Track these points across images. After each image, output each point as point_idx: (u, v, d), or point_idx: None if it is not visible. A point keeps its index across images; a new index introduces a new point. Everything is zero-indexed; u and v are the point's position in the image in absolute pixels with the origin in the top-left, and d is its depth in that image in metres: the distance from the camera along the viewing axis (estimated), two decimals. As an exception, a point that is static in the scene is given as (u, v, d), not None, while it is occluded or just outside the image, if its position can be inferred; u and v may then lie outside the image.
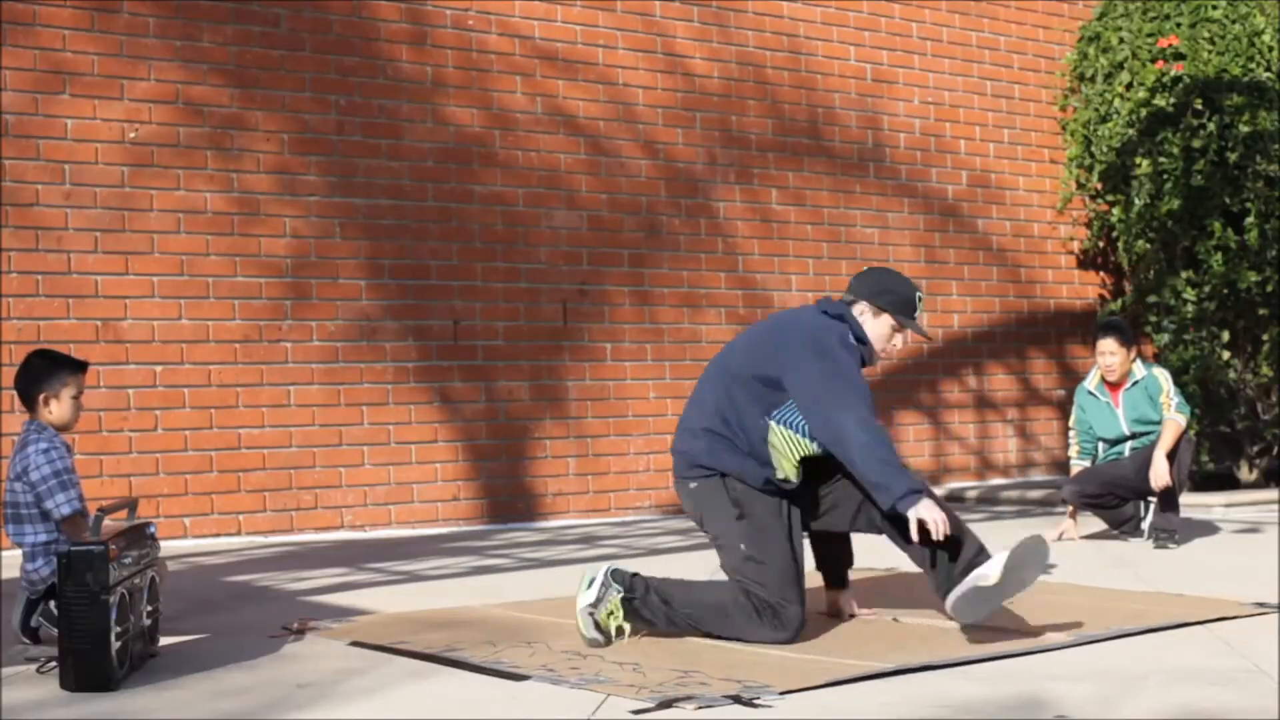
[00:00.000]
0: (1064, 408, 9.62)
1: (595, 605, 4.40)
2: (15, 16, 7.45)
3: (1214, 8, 10.46)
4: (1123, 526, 7.32)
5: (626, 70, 9.24)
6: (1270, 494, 9.44)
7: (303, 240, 8.16)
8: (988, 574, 4.34)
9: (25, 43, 7.48)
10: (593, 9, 9.14)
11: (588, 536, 7.98)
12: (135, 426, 7.65)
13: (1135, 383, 7.18)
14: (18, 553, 4.66)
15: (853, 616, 4.86)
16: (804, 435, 4.47)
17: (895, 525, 4.43)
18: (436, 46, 8.63)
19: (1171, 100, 10.12)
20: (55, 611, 4.25)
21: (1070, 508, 7.31)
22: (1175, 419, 6.98)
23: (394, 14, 8.50)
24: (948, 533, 4.29)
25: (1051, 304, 11.00)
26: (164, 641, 4.43)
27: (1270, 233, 9.92)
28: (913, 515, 4.26)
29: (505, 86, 8.82)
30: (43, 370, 4.67)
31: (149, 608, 4.26)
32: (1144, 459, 7.02)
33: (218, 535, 7.83)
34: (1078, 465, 7.36)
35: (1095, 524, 7.56)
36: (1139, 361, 7.26)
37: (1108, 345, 7.18)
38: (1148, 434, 7.11)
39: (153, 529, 4.41)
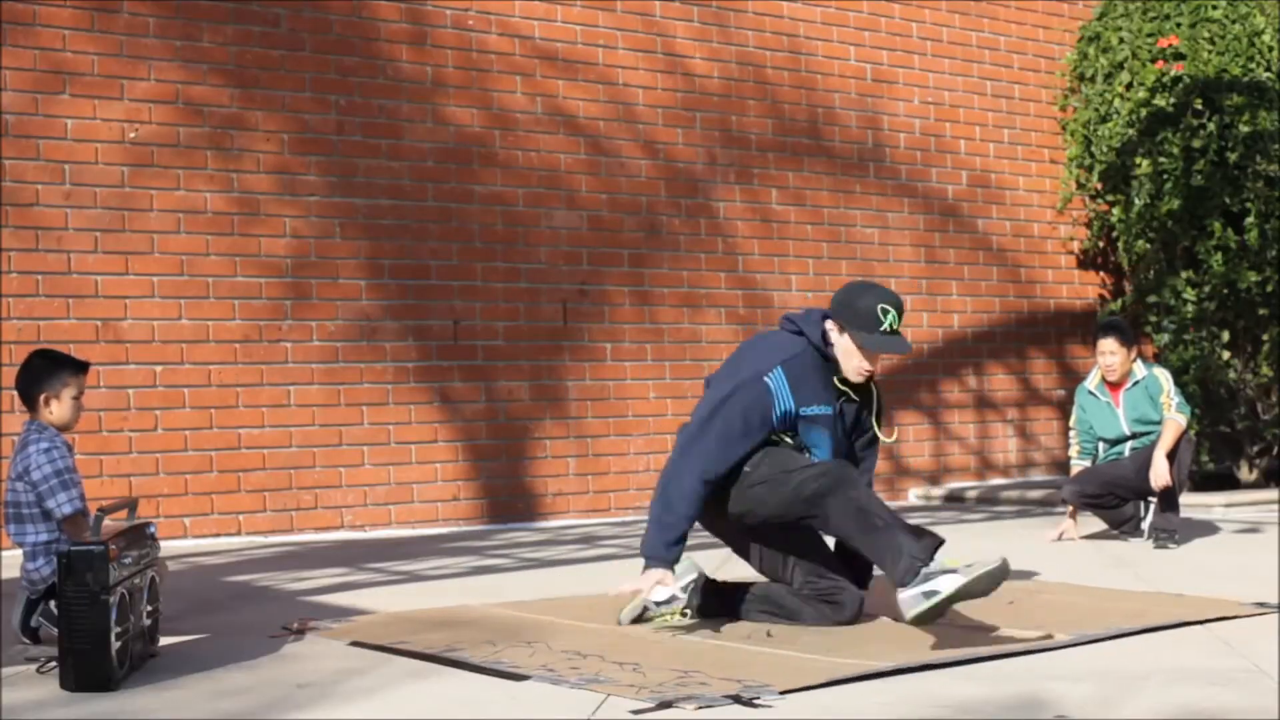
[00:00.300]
0: (1064, 408, 9.62)
1: (665, 603, 4.46)
2: (15, 16, 7.45)
3: (1214, 8, 10.45)
4: (1123, 526, 7.32)
5: (626, 70, 9.24)
6: (1270, 494, 9.44)
7: (303, 240, 8.16)
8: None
9: (25, 43, 7.48)
10: (593, 9, 9.13)
11: (588, 536, 7.98)
12: (135, 426, 7.65)
13: (1136, 383, 7.18)
14: (18, 553, 4.66)
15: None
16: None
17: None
18: (436, 46, 8.63)
19: (1171, 100, 10.12)
20: (55, 611, 4.24)
21: (1070, 508, 7.31)
22: (1176, 419, 6.98)
23: (394, 14, 8.50)
24: (646, 600, 4.48)
25: (1051, 304, 11.00)
26: (164, 641, 4.42)
27: (1270, 233, 9.92)
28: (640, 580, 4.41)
29: (505, 86, 8.82)
30: (43, 370, 4.66)
31: (149, 608, 4.26)
32: (1144, 459, 7.02)
33: (218, 535, 7.83)
34: (1078, 465, 7.36)
35: (1095, 524, 7.55)
36: (1139, 361, 7.26)
37: (1108, 345, 7.17)
38: (1148, 434, 7.11)
39: (153, 529, 4.40)
